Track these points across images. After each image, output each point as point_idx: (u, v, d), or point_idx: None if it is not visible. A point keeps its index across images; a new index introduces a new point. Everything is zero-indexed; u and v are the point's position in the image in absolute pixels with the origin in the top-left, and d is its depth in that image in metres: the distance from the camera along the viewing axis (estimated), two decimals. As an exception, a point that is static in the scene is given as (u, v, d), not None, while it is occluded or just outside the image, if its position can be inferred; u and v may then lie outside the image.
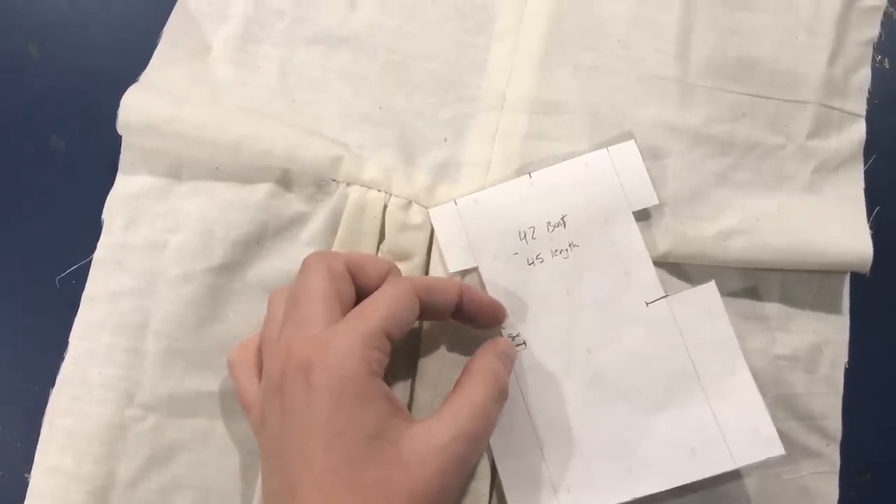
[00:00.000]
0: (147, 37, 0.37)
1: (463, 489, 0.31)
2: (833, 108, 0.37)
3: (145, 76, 0.36)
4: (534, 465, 0.32)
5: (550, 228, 0.33)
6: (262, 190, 0.34)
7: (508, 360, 0.31)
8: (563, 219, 0.33)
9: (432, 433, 0.27)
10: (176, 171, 0.35)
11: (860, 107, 0.37)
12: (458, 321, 0.31)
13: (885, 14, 0.38)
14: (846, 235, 0.34)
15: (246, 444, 0.33)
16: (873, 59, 0.38)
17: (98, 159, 0.36)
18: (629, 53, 0.36)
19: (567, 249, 0.33)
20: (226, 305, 0.34)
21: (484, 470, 0.32)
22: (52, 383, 0.33)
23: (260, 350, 0.30)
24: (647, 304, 0.32)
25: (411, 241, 0.34)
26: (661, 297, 0.32)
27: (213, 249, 0.34)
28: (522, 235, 0.33)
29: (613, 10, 0.37)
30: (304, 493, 0.25)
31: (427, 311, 0.29)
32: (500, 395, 0.29)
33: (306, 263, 0.29)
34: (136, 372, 0.33)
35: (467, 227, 0.33)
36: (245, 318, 0.34)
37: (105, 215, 0.35)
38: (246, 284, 0.34)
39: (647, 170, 0.34)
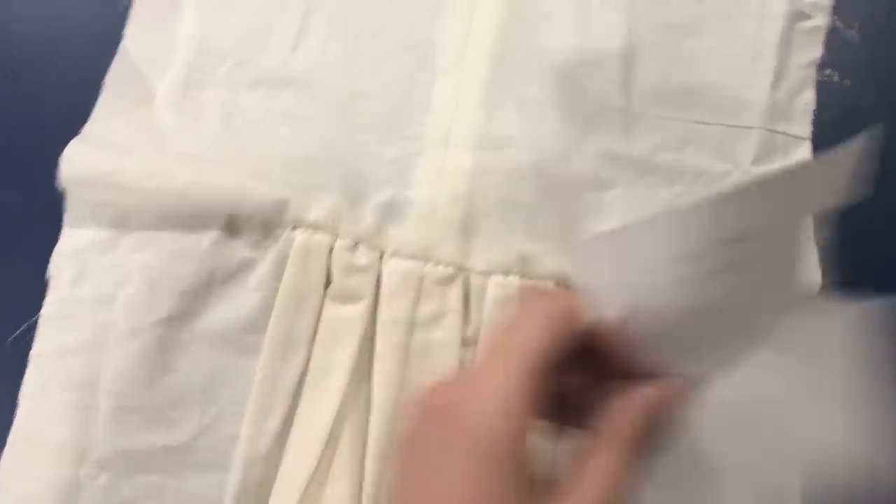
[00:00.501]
0: (90, 86, 0.36)
1: None
2: (777, 132, 0.36)
3: (88, 127, 0.35)
4: None
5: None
6: (209, 238, 0.34)
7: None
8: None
9: None
10: (122, 223, 0.35)
11: (805, 129, 0.37)
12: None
13: (834, 28, 0.38)
14: None
15: (200, 499, 0.33)
16: (823, 74, 0.38)
17: (45, 214, 0.35)
18: (573, 85, 0.36)
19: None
20: (175, 357, 0.33)
21: None
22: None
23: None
24: None
25: (359, 283, 0.33)
26: None
27: (161, 301, 0.34)
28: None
29: (557, 42, 0.36)
30: None
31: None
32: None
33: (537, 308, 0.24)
34: (89, 429, 0.33)
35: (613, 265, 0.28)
36: (195, 367, 0.33)
37: (52, 270, 0.35)
38: (195, 334, 0.34)
39: (592, 202, 0.33)
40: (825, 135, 0.37)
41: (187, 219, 0.34)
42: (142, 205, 0.34)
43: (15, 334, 0.35)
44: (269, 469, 0.32)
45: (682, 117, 0.36)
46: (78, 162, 0.34)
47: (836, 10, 0.38)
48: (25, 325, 0.35)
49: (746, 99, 0.36)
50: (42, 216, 0.36)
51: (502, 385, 0.22)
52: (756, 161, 0.36)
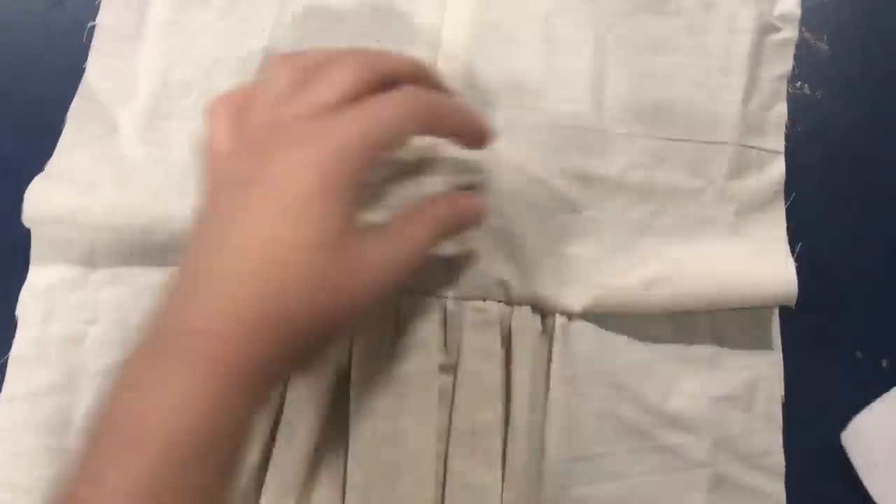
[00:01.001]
0: (53, 119, 0.36)
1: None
2: (751, 147, 0.36)
3: (52, 163, 0.35)
4: None
5: None
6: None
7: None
8: None
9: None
10: (89, 259, 0.34)
11: (779, 143, 0.37)
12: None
13: (804, 40, 0.38)
14: (770, 271, 0.34)
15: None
16: (794, 86, 0.38)
17: (9, 253, 0.35)
18: (544, 104, 0.36)
19: None
20: (150, 395, 0.33)
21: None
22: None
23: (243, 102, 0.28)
24: None
25: None
26: None
27: (133, 338, 0.33)
28: None
29: (526, 62, 0.36)
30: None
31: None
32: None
33: (342, 55, 0.28)
34: (62, 472, 0.32)
35: None
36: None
37: (20, 310, 0.34)
38: (168, 370, 0.33)
39: (566, 224, 0.34)
40: (798, 147, 0.37)
41: (155, 253, 0.34)
42: (108, 241, 0.34)
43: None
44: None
45: (653, 135, 0.36)
46: (41, 201, 0.33)
47: (806, 22, 0.39)
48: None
49: (718, 114, 0.36)
50: (8, 256, 0.35)
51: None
52: (730, 177, 0.36)
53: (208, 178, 0.27)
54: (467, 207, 0.32)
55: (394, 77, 0.29)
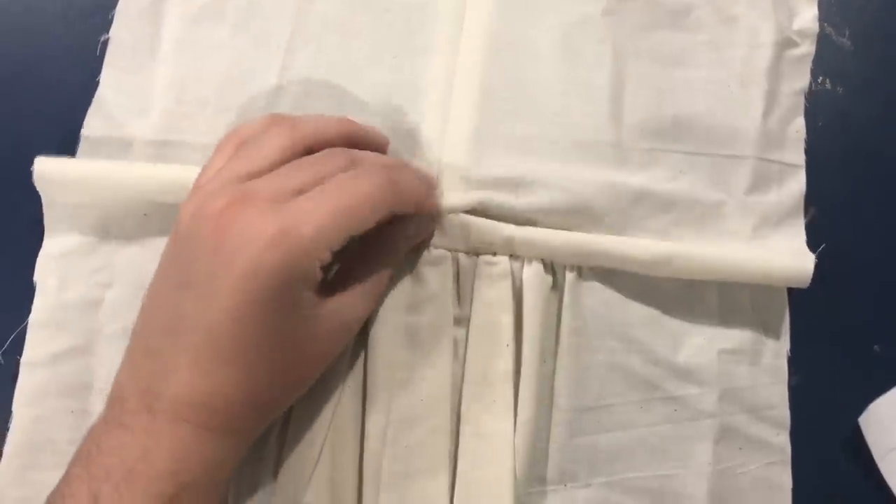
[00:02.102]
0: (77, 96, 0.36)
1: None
2: (772, 161, 0.36)
3: None
4: None
5: None
6: None
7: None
8: None
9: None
10: (104, 224, 0.35)
11: (799, 157, 0.37)
12: None
13: (826, 35, 0.39)
14: (785, 251, 0.34)
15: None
16: (816, 81, 0.38)
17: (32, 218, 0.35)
18: (563, 119, 0.36)
19: None
20: (168, 355, 0.34)
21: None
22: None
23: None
24: None
25: None
26: None
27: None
28: None
29: (545, 76, 0.36)
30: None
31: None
32: None
33: (272, 123, 0.30)
34: (85, 433, 0.33)
35: None
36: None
37: (37, 277, 0.34)
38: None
39: (583, 224, 0.34)
40: (819, 142, 0.37)
41: (171, 216, 0.34)
42: (123, 204, 0.34)
43: (4, 346, 0.35)
44: (264, 465, 0.32)
45: (673, 148, 0.36)
46: (51, 165, 0.33)
47: (828, 18, 0.39)
48: (14, 333, 0.34)
49: (738, 128, 0.36)
50: (29, 220, 0.35)
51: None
52: (750, 190, 0.36)
53: (183, 214, 0.28)
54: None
55: (324, 142, 0.30)
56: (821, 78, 0.38)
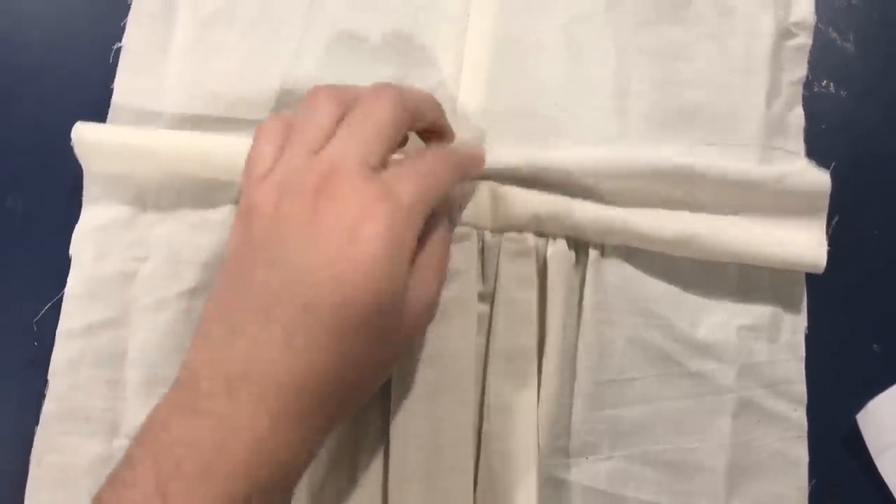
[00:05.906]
0: (102, 91, 0.37)
1: None
2: (776, 147, 0.36)
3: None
4: None
5: None
6: (226, 210, 0.35)
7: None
8: None
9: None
10: (141, 199, 0.36)
11: (799, 146, 0.37)
12: None
13: (830, 40, 0.39)
14: (801, 236, 0.34)
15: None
16: (819, 85, 0.38)
17: (55, 219, 0.36)
18: (567, 114, 0.36)
19: None
20: (201, 328, 0.34)
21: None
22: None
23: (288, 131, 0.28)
24: None
25: None
26: None
27: (183, 273, 0.35)
28: None
29: (549, 71, 0.37)
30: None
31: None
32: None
33: (378, 89, 0.28)
34: (119, 402, 0.34)
35: None
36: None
37: (73, 249, 0.35)
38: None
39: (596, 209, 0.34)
40: (822, 146, 0.37)
41: (204, 192, 0.35)
42: (159, 178, 0.35)
43: (40, 314, 0.36)
44: None
45: (679, 139, 0.36)
46: (90, 132, 0.34)
47: (832, 22, 0.39)
48: (49, 304, 0.35)
49: (742, 115, 0.36)
50: (54, 221, 0.36)
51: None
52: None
53: (246, 201, 0.27)
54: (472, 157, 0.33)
55: (420, 115, 0.30)
56: (824, 81, 0.38)
